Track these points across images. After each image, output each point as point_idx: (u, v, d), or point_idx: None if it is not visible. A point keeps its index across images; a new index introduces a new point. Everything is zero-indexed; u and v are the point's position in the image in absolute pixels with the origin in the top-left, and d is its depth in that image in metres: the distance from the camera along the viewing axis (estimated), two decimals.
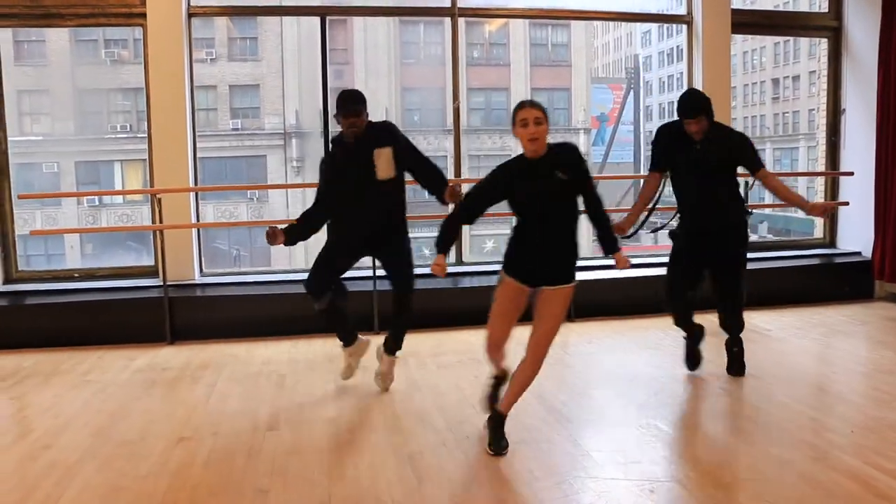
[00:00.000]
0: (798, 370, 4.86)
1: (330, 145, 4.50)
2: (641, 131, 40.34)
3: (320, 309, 4.42)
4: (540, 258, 3.46)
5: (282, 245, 4.33)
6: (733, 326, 4.67)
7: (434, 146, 24.44)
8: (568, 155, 3.45)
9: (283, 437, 3.75)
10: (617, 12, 7.52)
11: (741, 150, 4.42)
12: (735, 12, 6.94)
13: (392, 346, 4.51)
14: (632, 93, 37.78)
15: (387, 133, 4.31)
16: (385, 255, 4.49)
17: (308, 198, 20.16)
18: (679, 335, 4.80)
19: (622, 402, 4.23)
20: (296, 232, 4.36)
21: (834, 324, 6.07)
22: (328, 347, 5.35)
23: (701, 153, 4.36)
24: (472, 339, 5.56)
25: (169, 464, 3.42)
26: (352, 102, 4.19)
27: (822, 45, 7.77)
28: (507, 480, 3.24)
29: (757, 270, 6.63)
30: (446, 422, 3.90)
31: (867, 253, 7.10)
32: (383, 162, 4.24)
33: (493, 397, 3.80)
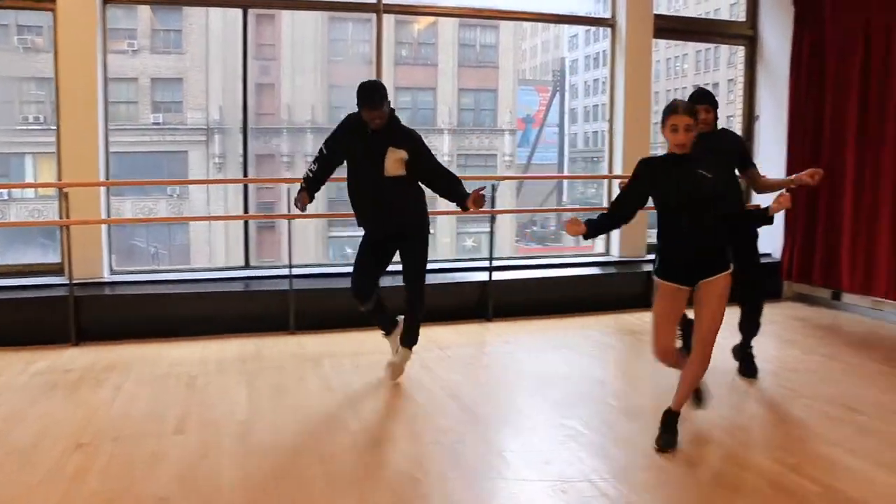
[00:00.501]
0: (711, 368, 4.93)
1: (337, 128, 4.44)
2: (566, 133, 40.94)
3: (367, 310, 4.53)
4: (691, 254, 3.50)
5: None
6: (748, 330, 4.73)
7: None
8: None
9: (191, 441, 3.61)
10: (544, 13, 7.54)
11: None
12: (658, 17, 7.06)
13: (406, 340, 4.56)
14: (557, 95, 38.30)
15: (408, 137, 4.32)
16: (402, 252, 4.52)
17: (231, 195, 19.81)
18: (592, 334, 4.84)
19: (537, 401, 4.22)
20: (311, 188, 4.48)
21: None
22: (241, 348, 5.22)
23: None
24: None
25: (64, 471, 3.25)
26: (370, 96, 4.17)
27: (740, 53, 7.97)
28: (417, 481, 3.18)
29: None
30: (360, 423, 3.82)
31: (777, 255, 7.32)
32: (393, 161, 4.25)
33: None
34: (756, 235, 4.66)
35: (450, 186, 4.35)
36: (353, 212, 4.52)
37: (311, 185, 4.48)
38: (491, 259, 6.36)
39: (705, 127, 4.42)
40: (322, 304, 5.84)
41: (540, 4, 7.98)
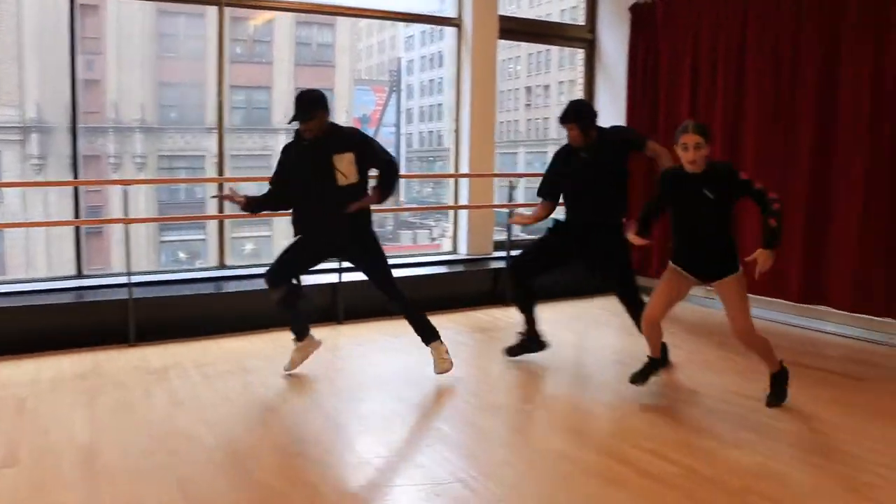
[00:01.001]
0: (562, 362, 5.08)
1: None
2: (402, 133, 41.20)
3: (275, 299, 4.48)
4: (695, 254, 4.06)
5: (240, 208, 4.38)
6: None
7: (192, 145, 23.28)
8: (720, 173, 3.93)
9: (24, 474, 3.23)
10: (390, 11, 7.49)
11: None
12: (502, 18, 7.19)
13: (423, 338, 4.64)
14: (394, 95, 38.48)
15: (349, 138, 4.31)
16: (353, 258, 4.58)
17: (53, 199, 18.36)
18: (444, 333, 4.85)
19: (398, 404, 4.16)
20: (256, 202, 4.43)
21: (591, 317, 6.47)
22: (77, 364, 4.81)
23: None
24: (239, 347, 5.27)
25: None
26: (302, 108, 4.13)
27: (574, 56, 8.27)
28: (286, 496, 3.03)
29: None
30: (216, 438, 3.60)
31: None
32: (344, 167, 4.22)
33: (641, 374, 4.28)
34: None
35: (387, 179, 4.38)
36: (294, 222, 4.50)
37: (253, 201, 4.45)
38: (340, 259, 6.20)
39: (578, 142, 4.61)
40: (164, 314, 5.50)
41: (384, 3, 7.92)
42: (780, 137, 6.04)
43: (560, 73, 38.15)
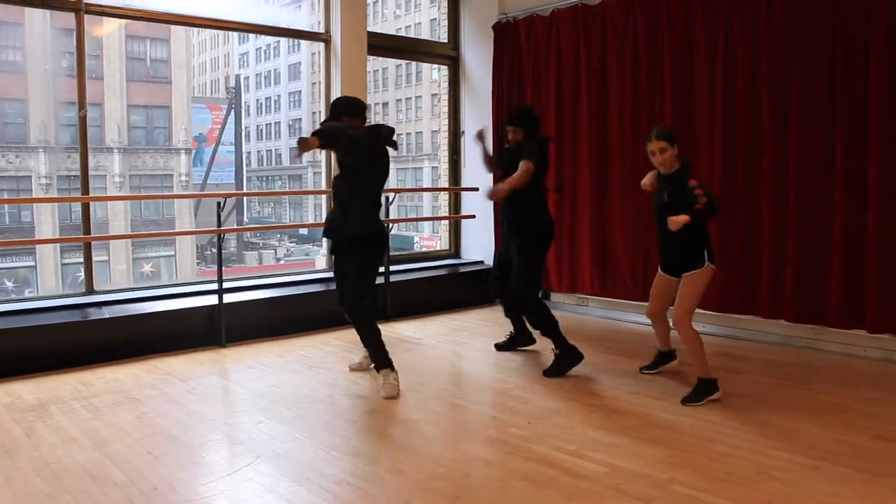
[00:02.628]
0: (460, 373, 5.13)
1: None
2: (242, 152, 40.16)
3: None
4: (664, 250, 4.57)
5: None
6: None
7: (15, 165, 21.60)
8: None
9: None
10: (258, 24, 7.27)
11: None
12: (370, 35, 7.18)
13: (375, 364, 4.70)
14: (233, 113, 37.43)
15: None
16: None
17: None
18: (331, 350, 4.80)
19: (304, 423, 4.04)
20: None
21: (473, 327, 6.56)
22: None
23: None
24: (121, 377, 4.93)
25: None
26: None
27: (444, 70, 8.40)
28: None
29: (394, 283, 6.94)
30: (126, 474, 3.33)
31: (489, 261, 7.81)
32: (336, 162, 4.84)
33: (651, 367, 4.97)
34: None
35: None
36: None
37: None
38: (220, 280, 5.94)
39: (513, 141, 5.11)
40: (24, 343, 5.04)
41: (250, 15, 7.71)
42: (643, 139, 6.39)
43: (433, 85, 38.06)
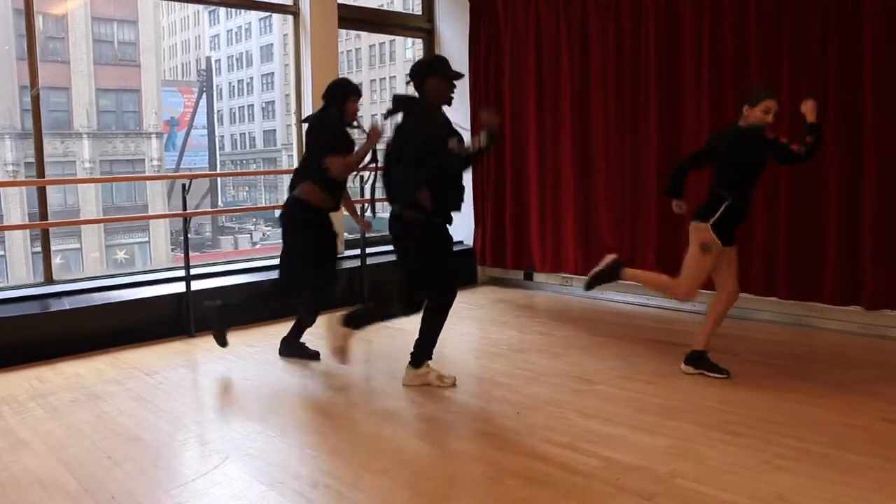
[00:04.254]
0: (443, 360, 4.86)
1: None
2: (216, 135, 39.57)
3: None
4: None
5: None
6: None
7: None
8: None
9: None
10: None
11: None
12: (341, 7, 6.85)
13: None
14: (205, 96, 36.82)
15: None
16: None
17: None
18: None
19: (276, 418, 3.78)
20: None
21: (454, 310, 6.28)
22: None
23: None
24: (81, 372, 4.63)
25: None
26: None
27: (417, 47, 8.10)
28: None
29: (370, 266, 6.60)
30: (79, 482, 3.05)
31: (469, 242, 7.57)
32: None
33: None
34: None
35: None
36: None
37: None
38: (187, 267, 5.64)
39: None
40: None
41: None
42: (628, 114, 6.19)
43: (406, 65, 37.63)
